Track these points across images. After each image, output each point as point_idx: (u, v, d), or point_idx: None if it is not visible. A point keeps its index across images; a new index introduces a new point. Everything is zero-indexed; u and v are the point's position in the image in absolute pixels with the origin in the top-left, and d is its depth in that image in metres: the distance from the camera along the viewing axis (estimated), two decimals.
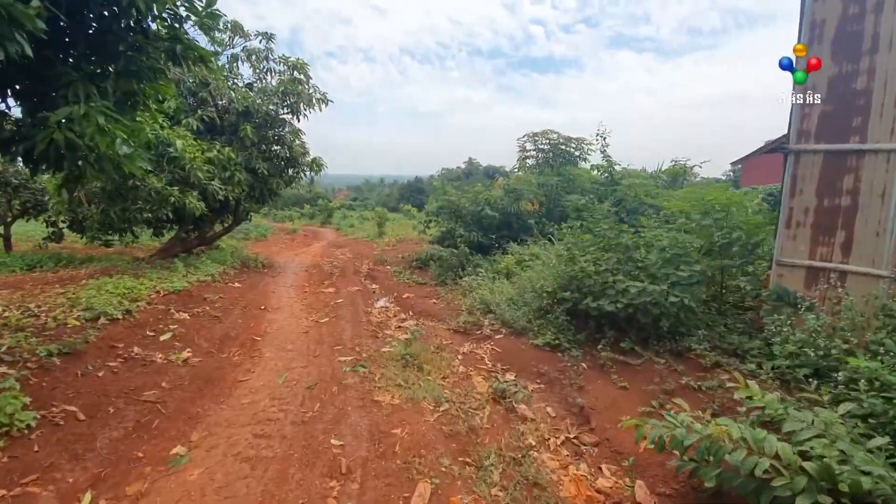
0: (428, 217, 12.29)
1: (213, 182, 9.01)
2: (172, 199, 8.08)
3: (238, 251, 13.00)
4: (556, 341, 5.38)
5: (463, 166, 58.45)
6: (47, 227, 12.39)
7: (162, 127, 8.01)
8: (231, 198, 9.86)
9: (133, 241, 12.53)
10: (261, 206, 12.50)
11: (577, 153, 11.50)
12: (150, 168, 5.28)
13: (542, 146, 11.77)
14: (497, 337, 6.20)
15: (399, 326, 6.97)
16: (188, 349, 5.15)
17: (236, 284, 8.84)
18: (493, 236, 9.56)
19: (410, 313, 7.73)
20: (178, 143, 7.86)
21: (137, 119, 4.53)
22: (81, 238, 10.92)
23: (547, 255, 7.56)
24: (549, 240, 9.20)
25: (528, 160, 11.97)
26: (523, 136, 12.05)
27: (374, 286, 10.19)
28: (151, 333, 5.35)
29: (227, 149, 9.67)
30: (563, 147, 11.47)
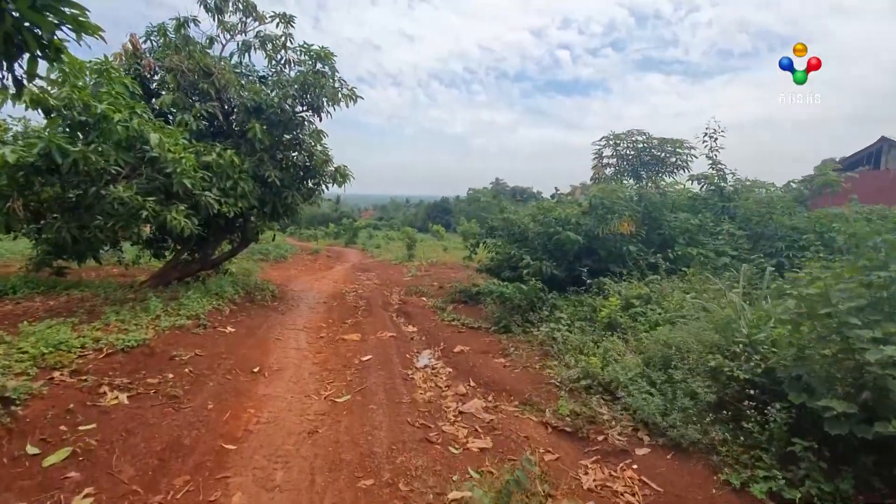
0: (477, 238, 9.79)
1: (207, 192, 6.83)
2: (145, 213, 5.88)
3: (247, 277, 10.84)
4: (795, 494, 2.70)
5: (489, 186, 56.38)
6: (35, 245, 10.71)
7: (136, 115, 5.93)
8: (233, 213, 7.68)
9: (134, 262, 10.61)
10: (274, 223, 10.35)
11: (673, 159, 8.88)
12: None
13: (624, 152, 9.20)
14: (640, 452, 3.56)
15: (460, 412, 4.43)
16: (90, 488, 2.73)
17: (228, 328, 6.51)
18: (581, 268, 6.92)
19: (471, 383, 5.18)
20: (153, 136, 5.71)
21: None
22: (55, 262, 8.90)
23: (696, 301, 4.88)
24: (663, 274, 6.54)
25: (606, 169, 9.41)
26: (601, 140, 9.49)
27: (410, 328, 7.75)
28: (34, 450, 2.96)
29: (229, 152, 7.54)
30: (655, 152, 8.87)
